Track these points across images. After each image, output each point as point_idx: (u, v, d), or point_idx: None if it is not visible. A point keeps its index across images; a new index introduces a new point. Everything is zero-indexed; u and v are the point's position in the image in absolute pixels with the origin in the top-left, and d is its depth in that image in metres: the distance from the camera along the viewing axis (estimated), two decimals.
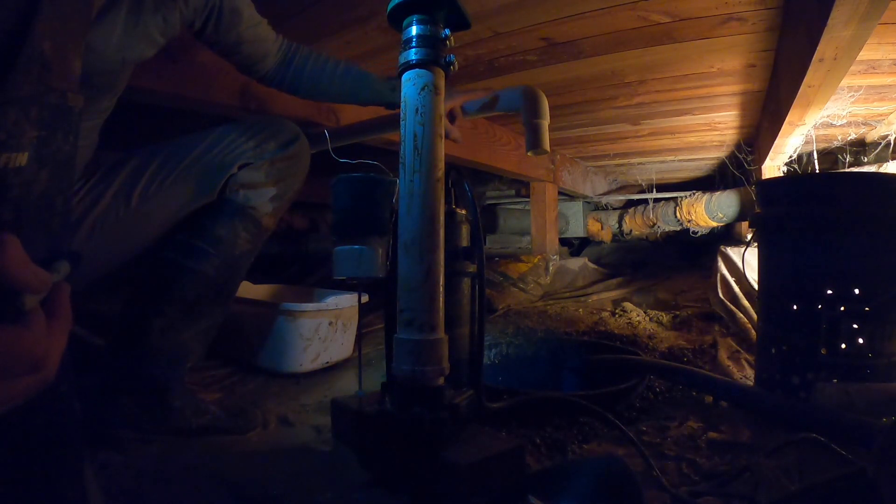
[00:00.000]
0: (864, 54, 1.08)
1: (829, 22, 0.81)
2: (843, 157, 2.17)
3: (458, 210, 0.88)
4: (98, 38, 0.69)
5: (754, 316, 1.46)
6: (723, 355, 1.30)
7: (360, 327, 0.86)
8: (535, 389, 0.96)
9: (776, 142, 1.66)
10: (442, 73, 0.74)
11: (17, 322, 0.28)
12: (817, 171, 1.98)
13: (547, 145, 1.02)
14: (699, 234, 2.87)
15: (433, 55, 0.72)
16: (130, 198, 0.85)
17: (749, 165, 2.32)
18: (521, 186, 3.00)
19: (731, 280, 1.82)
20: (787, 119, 1.37)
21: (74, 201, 0.82)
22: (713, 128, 2.16)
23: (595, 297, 2.22)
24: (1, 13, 0.39)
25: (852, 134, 1.99)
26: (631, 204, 3.22)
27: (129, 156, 0.89)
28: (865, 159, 2.14)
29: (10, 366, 0.28)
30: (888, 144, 1.96)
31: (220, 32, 0.88)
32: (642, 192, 3.12)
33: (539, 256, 2.55)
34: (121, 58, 0.75)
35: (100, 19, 0.68)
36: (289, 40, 1.01)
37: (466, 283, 0.89)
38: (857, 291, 0.90)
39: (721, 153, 2.66)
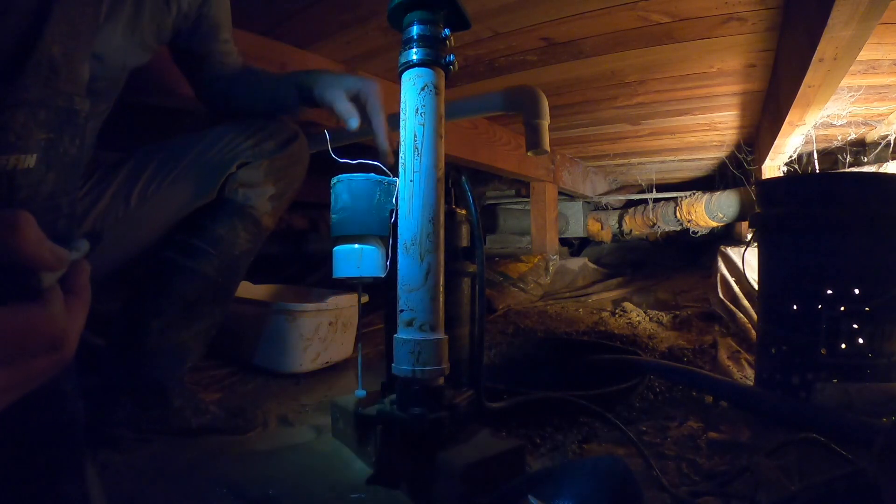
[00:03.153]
0: (864, 54, 1.08)
1: (829, 22, 0.81)
2: (843, 157, 2.17)
3: (458, 210, 0.88)
4: (100, 44, 0.69)
5: (754, 316, 1.46)
6: (723, 355, 1.30)
7: (360, 327, 0.85)
8: (535, 389, 0.96)
9: (776, 142, 1.66)
10: (442, 73, 0.73)
11: (35, 301, 0.28)
12: (817, 171, 1.98)
13: (547, 145, 1.02)
14: (699, 234, 2.87)
15: (433, 55, 0.72)
16: (129, 198, 0.85)
17: (749, 165, 2.32)
18: (521, 186, 3.00)
19: (731, 280, 1.82)
20: (787, 119, 1.37)
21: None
22: (713, 128, 2.16)
23: (595, 297, 2.22)
24: (12, 18, 0.40)
25: (852, 134, 1.99)
26: (631, 204, 3.23)
27: (127, 156, 0.89)
28: (865, 159, 2.14)
29: (28, 345, 0.28)
30: (888, 144, 1.96)
31: (193, 42, 0.89)
32: (642, 192, 3.12)
33: (539, 256, 2.55)
34: (122, 63, 0.75)
35: (102, 25, 0.69)
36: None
37: (466, 283, 0.89)
38: (857, 291, 0.90)
39: (721, 153, 2.66)
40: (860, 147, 2.17)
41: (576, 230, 3.23)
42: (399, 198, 0.73)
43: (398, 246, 0.73)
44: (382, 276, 0.77)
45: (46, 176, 0.42)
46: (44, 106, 0.41)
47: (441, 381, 0.73)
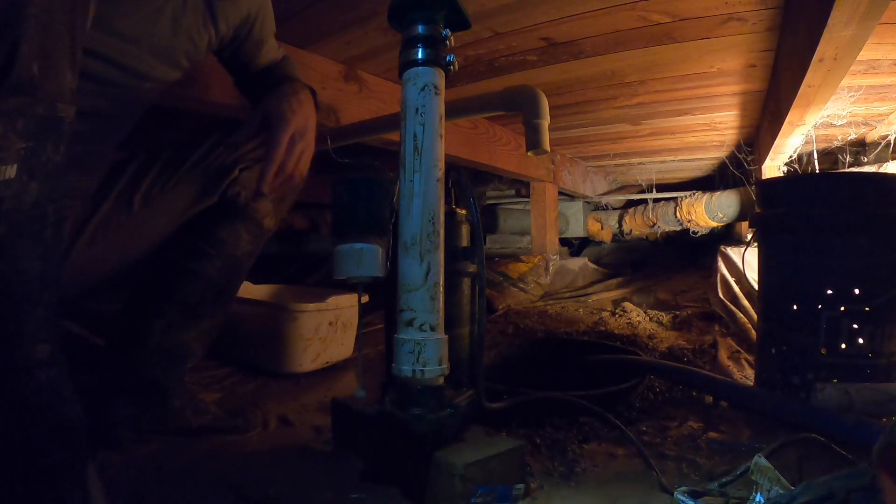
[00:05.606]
0: (864, 54, 1.08)
1: (830, 22, 0.81)
2: (843, 157, 2.17)
3: (458, 210, 0.88)
4: (120, 51, 0.69)
5: (754, 316, 1.46)
6: (723, 355, 1.30)
7: (360, 327, 0.85)
8: (535, 389, 0.96)
9: (776, 142, 1.66)
10: (442, 73, 0.73)
11: None
12: (817, 171, 1.98)
13: (547, 145, 1.02)
14: (699, 234, 2.87)
15: (433, 55, 0.72)
16: (132, 203, 0.84)
17: (749, 165, 2.32)
18: (521, 186, 3.00)
19: (731, 280, 1.82)
20: (787, 119, 1.37)
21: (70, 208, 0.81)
22: (713, 128, 2.16)
23: (595, 297, 2.22)
24: None
25: (852, 134, 1.99)
26: (631, 204, 3.22)
27: (129, 158, 0.89)
28: (865, 159, 2.14)
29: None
30: (888, 144, 1.96)
31: (234, 55, 0.90)
32: (642, 192, 3.12)
33: (539, 256, 2.55)
34: (149, 84, 0.75)
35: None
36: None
37: (466, 283, 0.89)
38: (857, 291, 0.90)
39: (721, 153, 2.66)
40: (860, 147, 2.17)
41: (576, 230, 3.22)
42: (399, 198, 0.73)
43: (398, 246, 0.73)
44: (382, 275, 0.77)
45: (29, 185, 0.42)
46: (21, 115, 0.41)
47: (441, 380, 0.73)
